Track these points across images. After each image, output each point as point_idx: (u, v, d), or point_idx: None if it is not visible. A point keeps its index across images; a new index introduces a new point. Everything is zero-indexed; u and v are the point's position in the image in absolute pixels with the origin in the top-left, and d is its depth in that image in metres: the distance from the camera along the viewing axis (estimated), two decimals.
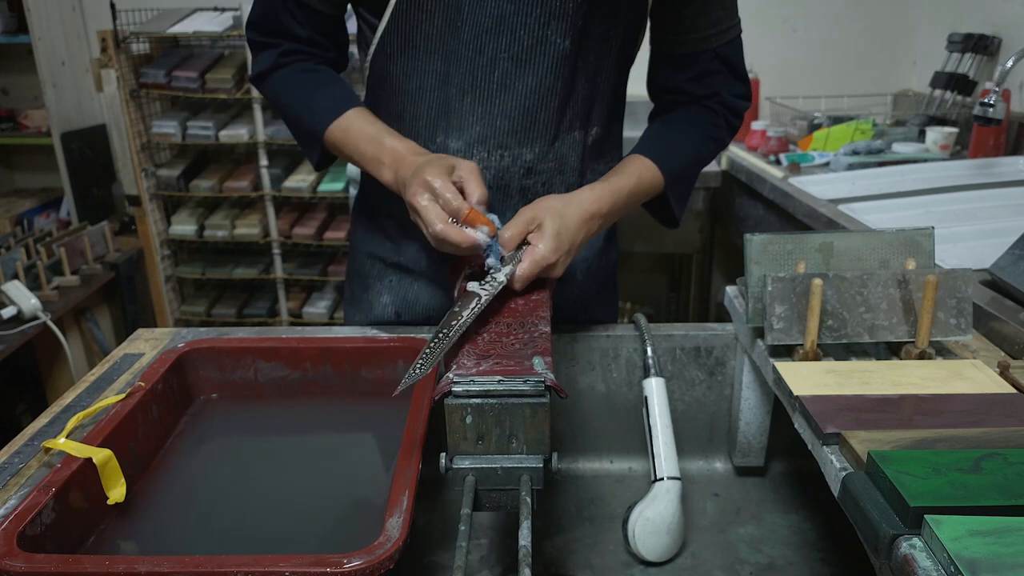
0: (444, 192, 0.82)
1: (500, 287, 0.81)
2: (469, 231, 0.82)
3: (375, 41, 0.94)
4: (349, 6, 0.99)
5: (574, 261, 1.05)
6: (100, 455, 0.72)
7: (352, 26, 1.03)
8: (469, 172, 0.85)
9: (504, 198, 0.99)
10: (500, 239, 0.84)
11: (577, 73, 0.94)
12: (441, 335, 0.72)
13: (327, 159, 1.03)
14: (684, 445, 1.01)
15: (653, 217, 1.07)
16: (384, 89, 0.98)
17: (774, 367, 0.76)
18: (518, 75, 0.92)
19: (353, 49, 1.38)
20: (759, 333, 0.84)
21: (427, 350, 0.71)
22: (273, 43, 1.00)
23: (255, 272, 2.91)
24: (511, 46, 0.90)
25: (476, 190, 0.84)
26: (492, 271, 0.83)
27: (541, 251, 0.83)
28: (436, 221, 0.81)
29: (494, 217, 0.85)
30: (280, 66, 1.00)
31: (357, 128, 0.95)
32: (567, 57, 0.91)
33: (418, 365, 0.70)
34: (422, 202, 0.82)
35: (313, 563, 0.56)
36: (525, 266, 0.82)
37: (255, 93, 2.65)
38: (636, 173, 0.96)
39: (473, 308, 0.77)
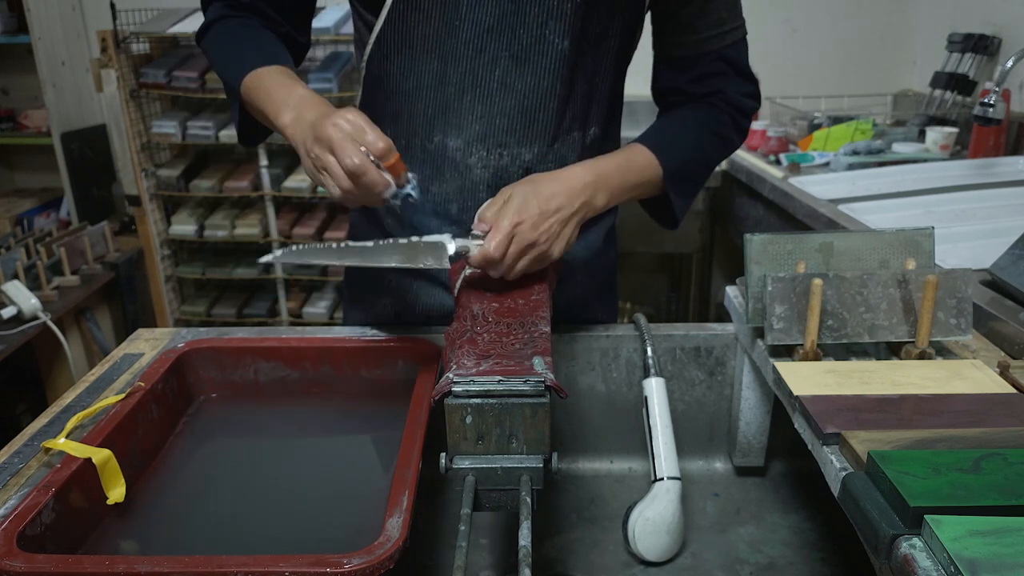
0: (369, 130, 0.75)
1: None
2: (386, 175, 0.76)
3: (371, 41, 0.94)
4: (347, 5, 0.99)
5: (573, 261, 1.05)
6: (100, 455, 0.72)
7: (349, 27, 1.03)
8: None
9: None
10: (481, 216, 0.84)
11: (576, 74, 0.94)
12: (326, 244, 0.81)
13: (250, 127, 0.96)
14: (684, 445, 1.01)
15: (652, 218, 1.06)
16: (381, 89, 0.98)
17: (774, 367, 0.76)
18: (518, 74, 0.92)
19: (350, 49, 1.38)
20: (759, 333, 0.84)
21: (307, 246, 0.80)
22: None
23: (255, 272, 2.91)
24: (511, 44, 0.90)
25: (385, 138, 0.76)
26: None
27: (507, 219, 0.81)
28: (352, 154, 0.74)
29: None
30: (224, 17, 0.96)
31: (275, 75, 0.88)
32: (566, 57, 0.91)
33: (291, 247, 0.79)
34: (336, 134, 0.74)
35: (313, 563, 0.56)
36: (493, 233, 0.82)
37: None
38: (625, 153, 0.95)
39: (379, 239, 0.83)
